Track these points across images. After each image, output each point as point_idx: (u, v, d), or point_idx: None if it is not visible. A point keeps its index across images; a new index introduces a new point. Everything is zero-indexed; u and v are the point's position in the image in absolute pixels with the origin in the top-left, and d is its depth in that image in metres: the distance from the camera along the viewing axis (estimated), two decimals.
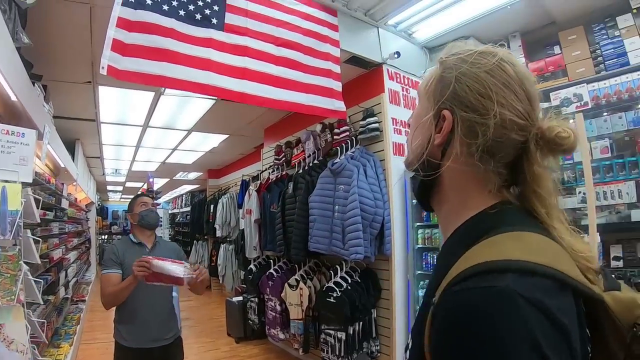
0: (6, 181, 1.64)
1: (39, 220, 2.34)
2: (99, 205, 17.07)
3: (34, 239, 1.81)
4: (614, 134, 3.58)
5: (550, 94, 3.91)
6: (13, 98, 2.49)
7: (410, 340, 0.75)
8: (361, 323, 3.84)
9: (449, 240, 0.80)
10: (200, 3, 2.80)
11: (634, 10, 3.54)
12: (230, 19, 2.94)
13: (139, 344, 2.66)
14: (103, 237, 18.85)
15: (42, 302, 2.18)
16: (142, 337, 2.66)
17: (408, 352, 0.76)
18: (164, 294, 2.84)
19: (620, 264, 3.44)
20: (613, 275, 0.76)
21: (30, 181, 1.79)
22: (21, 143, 1.77)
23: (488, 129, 0.72)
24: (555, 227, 0.72)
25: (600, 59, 3.70)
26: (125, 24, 2.42)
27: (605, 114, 3.62)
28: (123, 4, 2.46)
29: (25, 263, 1.93)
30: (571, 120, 3.59)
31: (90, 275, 10.62)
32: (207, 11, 2.82)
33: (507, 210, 0.74)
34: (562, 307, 0.60)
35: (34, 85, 2.92)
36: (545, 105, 3.94)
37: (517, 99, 0.73)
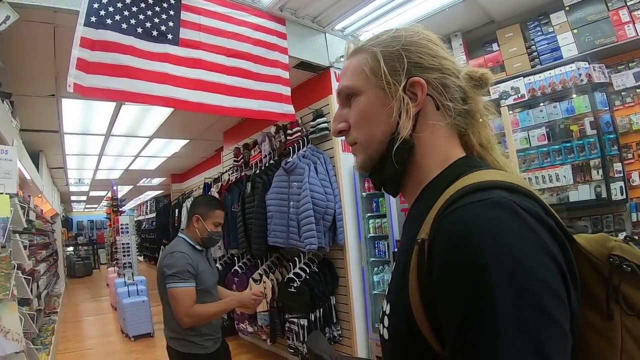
0: None
1: (25, 226, 2.61)
2: (63, 216, 17.11)
3: (21, 242, 2.17)
4: (549, 122, 3.97)
5: (490, 88, 4.39)
6: None
7: (388, 306, 0.77)
8: (322, 310, 4.26)
9: (423, 194, 0.81)
10: (156, 20, 3.11)
11: (567, 8, 3.95)
12: (184, 33, 3.26)
13: (215, 344, 2.74)
14: (69, 248, 18.95)
15: (31, 297, 2.50)
16: (215, 337, 2.74)
17: (386, 318, 0.77)
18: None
19: None
20: None
21: (15, 192, 2.17)
22: (5, 159, 2.15)
23: (447, 82, 0.81)
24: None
25: (535, 54, 4.14)
26: (88, 44, 2.73)
27: (541, 104, 4.03)
28: (85, 24, 2.77)
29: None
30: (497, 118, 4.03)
31: (60, 288, 10.79)
32: (163, 27, 3.13)
33: (473, 156, 0.83)
34: (557, 227, 0.64)
35: (2, 102, 3.29)
36: (485, 98, 4.41)
37: (446, 53, 0.85)
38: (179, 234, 2.84)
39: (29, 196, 5.68)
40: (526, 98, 4.14)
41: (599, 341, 0.65)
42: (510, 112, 4.21)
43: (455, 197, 0.66)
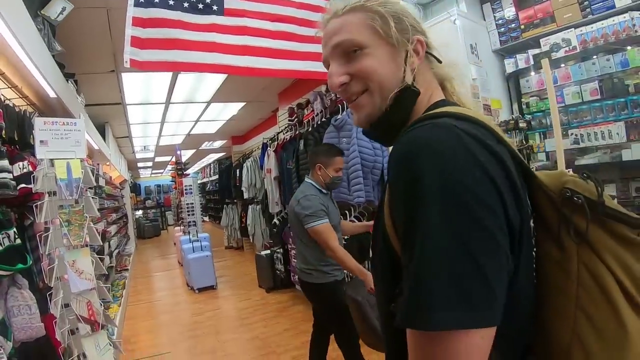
0: (69, 158, 2.40)
1: (94, 184, 2.96)
2: (131, 182, 17.90)
3: (92, 197, 2.55)
4: (602, 76, 3.87)
5: (540, 40, 4.23)
6: (52, 95, 3.15)
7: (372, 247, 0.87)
8: (369, 262, 4.46)
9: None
10: None
11: None
12: (229, 3, 3.36)
13: (342, 273, 3.19)
14: (138, 212, 20.02)
15: (100, 243, 2.90)
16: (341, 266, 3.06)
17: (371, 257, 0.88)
18: None
19: (615, 202, 3.85)
20: None
21: (85, 157, 2.52)
22: (74, 130, 2.46)
23: (428, 42, 0.91)
24: None
25: (586, 3, 3.96)
26: (139, 22, 2.92)
27: (594, 57, 3.91)
28: (135, 5, 2.96)
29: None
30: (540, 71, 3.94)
31: (130, 248, 11.60)
32: (208, 0, 3.33)
33: (449, 100, 0.92)
34: (503, 152, 0.70)
35: (68, 82, 3.62)
36: (537, 51, 4.27)
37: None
38: (305, 180, 3.25)
39: (98, 164, 6.16)
40: (578, 50, 4.01)
41: (558, 272, 0.71)
42: (562, 64, 4.15)
43: (409, 126, 0.79)
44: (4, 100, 2.54)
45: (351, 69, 0.88)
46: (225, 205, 11.91)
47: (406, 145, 0.69)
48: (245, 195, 8.67)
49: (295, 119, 6.09)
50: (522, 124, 3.69)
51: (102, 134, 7.50)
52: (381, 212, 0.78)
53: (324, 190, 3.16)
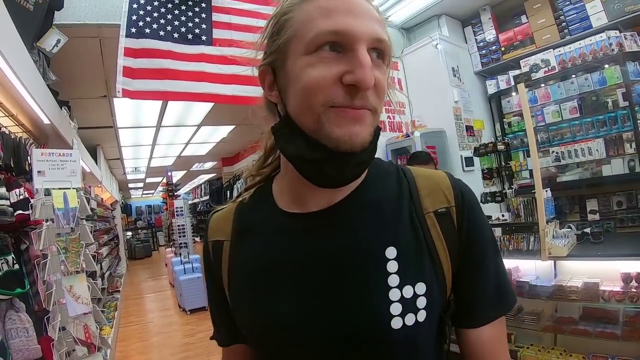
0: (65, 188, 2.54)
1: (90, 213, 3.12)
2: (122, 203, 18.00)
3: (88, 226, 2.69)
4: (581, 94, 4.00)
5: (520, 61, 4.42)
6: (47, 122, 3.23)
7: (418, 285, 0.74)
8: None
9: (373, 178, 0.83)
10: (190, 24, 3.38)
11: None
12: (217, 33, 3.50)
13: None
14: (129, 232, 19.90)
15: (96, 269, 3.04)
16: None
17: (420, 298, 0.74)
18: None
19: (597, 217, 3.86)
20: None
21: (80, 187, 2.66)
22: (70, 160, 2.60)
23: None
24: None
25: (564, 24, 4.14)
26: (131, 53, 3.03)
27: (572, 76, 4.05)
28: (127, 36, 3.09)
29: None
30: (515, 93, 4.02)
31: (122, 269, 11.53)
32: (197, 30, 3.39)
33: None
34: None
35: (61, 109, 3.74)
36: (517, 72, 4.42)
37: None
38: None
39: (90, 187, 6.27)
40: (557, 70, 4.16)
41: None
42: (542, 84, 4.29)
43: (449, 175, 0.85)
44: (1, 129, 2.64)
45: (376, 76, 0.68)
46: None
47: (473, 193, 0.85)
48: None
49: None
50: (500, 146, 3.85)
51: (94, 156, 7.60)
52: (423, 254, 0.77)
53: None
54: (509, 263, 3.70)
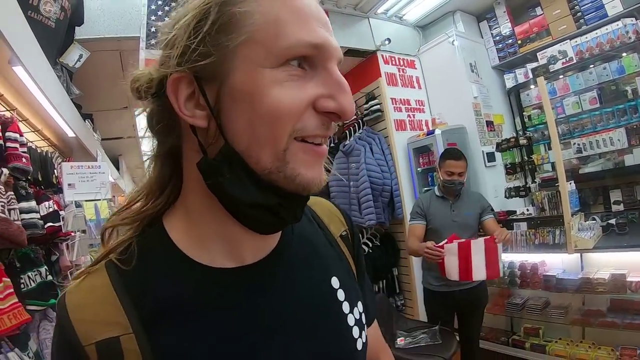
0: (96, 200, 2.62)
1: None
2: None
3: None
4: (600, 84, 3.96)
5: (537, 53, 4.38)
6: (71, 135, 3.32)
7: (356, 307, 0.75)
8: (384, 281, 4.55)
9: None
10: None
11: None
12: None
13: (441, 288, 3.08)
14: None
15: None
16: (446, 281, 2.94)
17: (362, 317, 0.76)
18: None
19: (621, 207, 3.81)
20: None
21: (110, 198, 2.75)
22: (99, 172, 2.70)
23: None
24: None
25: (579, 14, 4.09)
26: (151, 64, 3.25)
27: (590, 66, 4.02)
28: (146, 48, 3.18)
29: None
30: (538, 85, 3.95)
31: None
32: None
33: None
34: None
35: (85, 121, 3.85)
36: (534, 64, 4.40)
37: None
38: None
39: (114, 196, 6.40)
40: (574, 61, 4.11)
41: None
42: (561, 76, 4.25)
43: (332, 204, 0.87)
44: (27, 144, 2.73)
45: None
46: None
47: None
48: None
49: None
50: (522, 141, 3.83)
51: (117, 166, 7.72)
52: (350, 276, 0.80)
53: (438, 194, 3.22)
54: (535, 257, 3.70)
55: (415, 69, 5.00)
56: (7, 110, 2.51)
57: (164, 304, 0.58)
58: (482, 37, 5.00)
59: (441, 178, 3.15)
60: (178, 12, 0.57)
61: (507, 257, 3.78)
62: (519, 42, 4.65)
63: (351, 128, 4.81)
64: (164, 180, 0.66)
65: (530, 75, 4.53)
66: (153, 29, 3.36)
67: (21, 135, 2.41)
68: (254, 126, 0.53)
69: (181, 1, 0.57)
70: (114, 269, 0.59)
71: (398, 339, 3.10)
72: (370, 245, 4.65)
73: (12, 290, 2.13)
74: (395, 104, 4.69)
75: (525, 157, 4.04)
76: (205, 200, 0.59)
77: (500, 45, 4.84)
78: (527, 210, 3.83)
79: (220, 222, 0.61)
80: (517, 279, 3.76)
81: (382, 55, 4.74)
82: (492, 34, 4.91)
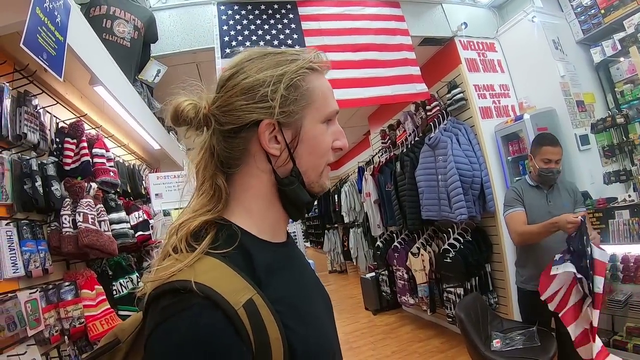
0: (183, 207, 2.67)
1: None
2: None
3: None
4: None
5: (624, 22, 4.01)
6: (157, 147, 3.45)
7: None
8: (477, 278, 4.38)
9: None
10: (282, 36, 3.49)
11: None
12: (309, 41, 3.57)
13: (534, 287, 2.80)
14: None
15: None
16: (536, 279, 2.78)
17: None
18: (556, 237, 2.79)
19: None
20: None
21: None
22: (185, 182, 2.74)
23: None
24: None
25: None
26: None
27: None
28: (222, 57, 3.27)
29: None
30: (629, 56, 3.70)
31: None
32: (290, 41, 3.48)
33: None
34: None
35: (169, 133, 3.99)
36: (622, 34, 4.05)
37: None
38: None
39: None
40: None
41: None
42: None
43: None
44: (114, 158, 2.80)
45: None
46: (326, 231, 12.07)
47: None
48: (346, 220, 8.92)
49: (389, 141, 6.17)
50: (619, 119, 3.56)
51: None
52: None
53: (531, 183, 3.07)
54: (639, 249, 3.43)
55: (496, 51, 4.80)
56: (93, 128, 2.63)
57: (263, 269, 0.78)
58: (562, 11, 4.67)
59: (537, 166, 2.95)
60: (260, 68, 0.84)
61: (608, 249, 3.50)
62: (602, 11, 4.28)
63: (435, 120, 4.69)
64: (222, 191, 0.88)
65: (619, 47, 4.16)
66: (226, 38, 3.42)
67: (107, 151, 2.54)
68: (311, 157, 0.88)
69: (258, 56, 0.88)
70: (215, 255, 0.74)
71: (494, 341, 2.99)
72: (462, 240, 4.52)
73: (104, 297, 2.28)
74: (479, 91, 4.53)
75: (624, 138, 3.74)
76: (264, 204, 0.88)
77: (583, 17, 4.50)
78: (629, 196, 3.52)
79: (274, 216, 0.90)
80: (619, 273, 3.45)
81: (460, 41, 4.59)
82: (572, 5, 4.57)
